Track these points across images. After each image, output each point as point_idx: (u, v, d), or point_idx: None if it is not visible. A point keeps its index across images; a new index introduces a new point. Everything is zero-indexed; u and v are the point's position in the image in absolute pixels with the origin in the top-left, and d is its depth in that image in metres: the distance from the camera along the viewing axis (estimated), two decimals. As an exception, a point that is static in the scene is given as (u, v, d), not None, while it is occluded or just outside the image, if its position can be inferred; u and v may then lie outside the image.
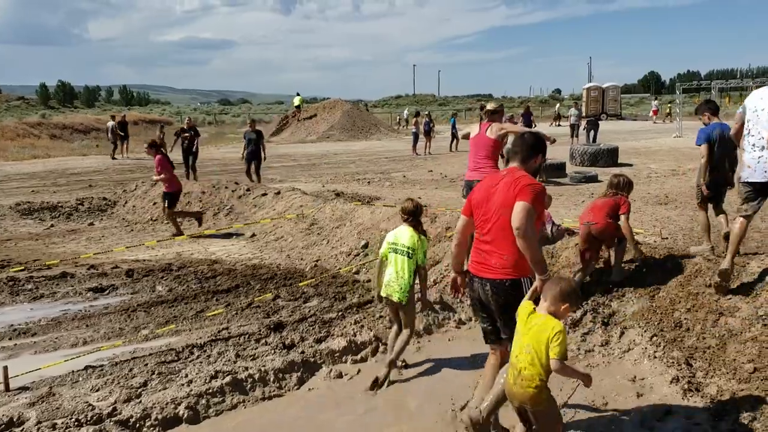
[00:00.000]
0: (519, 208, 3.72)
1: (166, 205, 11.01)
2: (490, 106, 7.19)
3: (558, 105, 47.60)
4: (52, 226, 11.99)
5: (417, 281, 5.26)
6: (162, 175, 10.82)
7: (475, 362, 5.33)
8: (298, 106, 40.34)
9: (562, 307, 3.44)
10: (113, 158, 25.70)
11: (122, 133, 26.19)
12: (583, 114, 33.59)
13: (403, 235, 5.21)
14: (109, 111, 58.37)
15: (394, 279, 5.15)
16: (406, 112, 47.30)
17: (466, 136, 7.43)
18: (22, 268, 8.55)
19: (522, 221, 3.68)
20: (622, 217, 6.06)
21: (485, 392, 4.03)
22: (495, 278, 3.88)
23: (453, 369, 5.37)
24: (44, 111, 58.84)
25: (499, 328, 4.05)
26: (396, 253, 5.19)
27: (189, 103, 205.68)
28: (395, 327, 5.37)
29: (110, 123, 26.76)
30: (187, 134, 16.31)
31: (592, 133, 24.36)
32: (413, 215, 5.25)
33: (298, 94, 41.29)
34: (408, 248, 5.13)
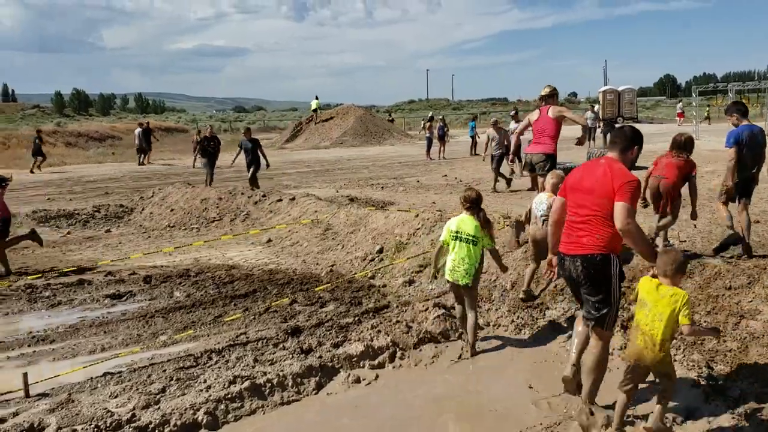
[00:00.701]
0: (620, 209, 3.90)
1: None
2: (544, 91, 7.90)
3: (596, 106, 45.00)
4: (68, 233, 12.08)
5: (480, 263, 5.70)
6: None
7: (487, 367, 5.30)
8: (315, 110, 40.51)
9: (680, 277, 3.87)
10: (140, 164, 26.03)
11: (146, 140, 26.61)
12: (600, 117, 33.34)
13: (467, 224, 5.57)
14: (124, 119, 58.60)
15: (459, 264, 5.59)
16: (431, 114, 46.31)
17: (526, 127, 8.35)
18: (40, 275, 8.62)
19: (624, 221, 3.87)
20: (692, 179, 6.62)
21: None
22: (586, 253, 4.06)
23: (466, 374, 5.33)
24: (59, 119, 59.31)
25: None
26: (460, 240, 5.56)
27: (204, 110, 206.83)
28: (460, 307, 5.83)
29: (138, 130, 27.11)
30: (212, 142, 16.50)
31: (608, 135, 24.24)
32: (475, 203, 5.63)
33: (316, 98, 41.36)
34: (473, 237, 5.50)
